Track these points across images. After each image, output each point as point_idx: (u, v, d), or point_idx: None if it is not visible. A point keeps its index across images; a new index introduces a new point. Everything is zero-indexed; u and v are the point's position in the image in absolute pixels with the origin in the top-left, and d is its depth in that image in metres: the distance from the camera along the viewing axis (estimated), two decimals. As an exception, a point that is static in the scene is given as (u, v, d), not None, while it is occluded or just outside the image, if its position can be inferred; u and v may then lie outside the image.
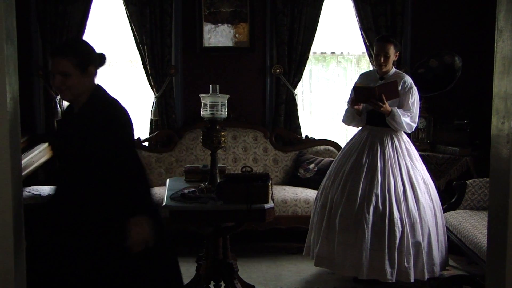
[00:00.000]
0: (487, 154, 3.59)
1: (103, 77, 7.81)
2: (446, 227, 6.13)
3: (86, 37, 7.58)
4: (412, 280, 5.67)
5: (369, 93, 5.78)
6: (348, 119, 6.16)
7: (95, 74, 3.81)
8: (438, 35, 7.90)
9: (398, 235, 5.62)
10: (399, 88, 5.86)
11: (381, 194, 5.71)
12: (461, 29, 7.93)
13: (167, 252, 4.01)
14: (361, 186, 5.77)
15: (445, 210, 6.35)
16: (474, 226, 5.91)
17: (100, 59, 3.85)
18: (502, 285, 3.31)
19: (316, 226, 6.03)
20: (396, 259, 5.61)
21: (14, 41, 2.51)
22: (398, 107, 5.84)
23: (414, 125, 5.94)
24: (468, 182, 6.61)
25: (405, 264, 5.63)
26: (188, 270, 6.14)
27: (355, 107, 5.94)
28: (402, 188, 5.76)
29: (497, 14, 3.38)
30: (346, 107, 6.16)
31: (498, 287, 3.32)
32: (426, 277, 5.74)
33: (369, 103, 5.83)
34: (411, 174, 5.85)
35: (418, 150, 6.33)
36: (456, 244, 6.18)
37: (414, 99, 5.92)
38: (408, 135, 6.21)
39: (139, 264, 3.73)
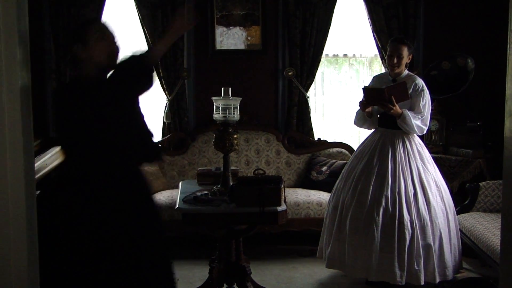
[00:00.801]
0: (500, 156, 3.57)
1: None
2: (460, 229, 6.11)
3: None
4: (422, 283, 5.65)
5: (378, 94, 5.76)
6: (360, 121, 6.17)
7: None
8: (450, 37, 7.89)
9: (407, 237, 5.60)
10: (411, 90, 5.85)
11: (391, 197, 5.70)
12: (473, 31, 7.91)
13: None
14: (371, 188, 5.76)
15: (458, 213, 6.32)
16: (487, 228, 5.89)
17: None
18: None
19: (328, 228, 6.03)
20: (405, 261, 5.60)
21: (27, 44, 2.52)
22: (409, 109, 5.83)
23: (425, 128, 5.92)
24: (481, 184, 6.60)
25: (415, 266, 5.61)
26: (200, 273, 6.16)
27: (366, 110, 5.94)
28: (412, 191, 5.75)
29: (509, 15, 3.37)
30: (358, 108, 6.15)
31: (511, 290, 3.31)
32: (438, 280, 5.72)
33: (379, 105, 5.83)
34: (422, 176, 5.84)
35: (430, 152, 6.31)
36: (469, 247, 6.16)
37: (426, 101, 5.90)
38: (421, 137, 6.19)
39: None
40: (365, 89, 5.94)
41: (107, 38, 3.64)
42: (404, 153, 5.87)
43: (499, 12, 7.24)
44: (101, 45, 3.61)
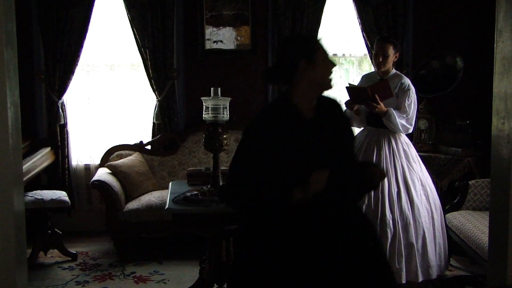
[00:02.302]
0: (489, 155, 3.60)
1: (105, 81, 7.84)
2: (449, 227, 6.13)
3: (88, 41, 7.61)
4: (403, 282, 5.66)
5: (362, 93, 5.78)
6: None
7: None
8: (439, 36, 7.91)
9: (389, 236, 5.62)
10: (397, 89, 5.87)
11: (374, 195, 5.72)
12: (462, 30, 7.93)
13: None
14: None
15: (447, 211, 6.35)
16: (477, 226, 5.91)
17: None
18: (503, 285, 3.32)
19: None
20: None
21: (14, 45, 2.52)
22: (395, 109, 5.84)
23: (410, 127, 5.92)
24: (470, 182, 6.61)
25: (396, 265, 5.63)
26: (191, 273, 6.16)
27: (354, 109, 5.95)
28: (396, 190, 5.76)
29: (496, 15, 3.39)
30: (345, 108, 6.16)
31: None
32: (420, 279, 5.73)
33: (363, 104, 5.84)
34: (406, 175, 5.85)
35: (418, 151, 6.33)
36: (458, 245, 6.17)
37: (411, 101, 5.91)
38: (409, 136, 6.21)
39: None
40: (348, 88, 5.95)
41: (330, 60, 3.51)
42: (389, 152, 5.89)
43: (487, 12, 7.28)
44: (325, 66, 3.47)
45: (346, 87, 5.98)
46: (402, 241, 5.66)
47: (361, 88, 5.83)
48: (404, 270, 5.65)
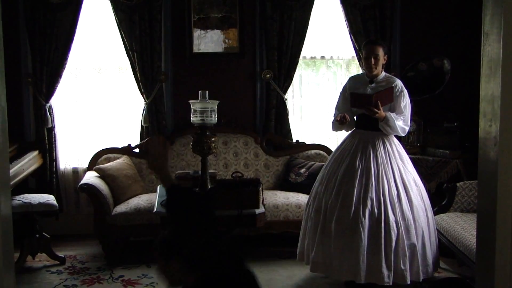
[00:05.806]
0: (477, 157, 3.60)
1: (93, 84, 7.83)
2: (437, 229, 6.15)
3: (76, 44, 7.58)
4: (408, 282, 5.69)
5: (366, 100, 5.80)
6: (337, 128, 6.18)
7: None
8: (426, 38, 7.94)
9: (394, 238, 5.64)
10: (391, 92, 5.91)
11: (376, 198, 5.72)
12: (449, 33, 7.96)
13: None
14: (355, 190, 5.77)
15: (435, 213, 6.36)
16: (465, 228, 5.93)
17: None
18: (491, 286, 3.32)
19: (310, 231, 6.00)
20: (392, 262, 5.62)
21: (1, 49, 2.51)
22: (390, 111, 5.86)
23: (407, 128, 5.97)
24: (458, 184, 6.63)
25: (401, 266, 5.65)
26: (180, 276, 6.14)
27: (342, 121, 5.96)
28: (395, 191, 5.78)
29: (483, 17, 3.40)
30: (334, 116, 6.17)
31: (487, 289, 3.33)
32: (421, 278, 5.77)
33: (364, 109, 5.84)
34: (403, 176, 5.87)
35: (408, 153, 6.35)
36: (447, 247, 6.19)
37: (406, 102, 5.95)
38: (399, 138, 6.22)
39: None
40: (352, 94, 5.96)
41: None
42: (385, 154, 5.90)
43: (474, 14, 7.30)
44: None
45: (351, 93, 6.00)
46: (405, 242, 5.69)
47: (367, 96, 5.85)
48: (408, 271, 5.68)
